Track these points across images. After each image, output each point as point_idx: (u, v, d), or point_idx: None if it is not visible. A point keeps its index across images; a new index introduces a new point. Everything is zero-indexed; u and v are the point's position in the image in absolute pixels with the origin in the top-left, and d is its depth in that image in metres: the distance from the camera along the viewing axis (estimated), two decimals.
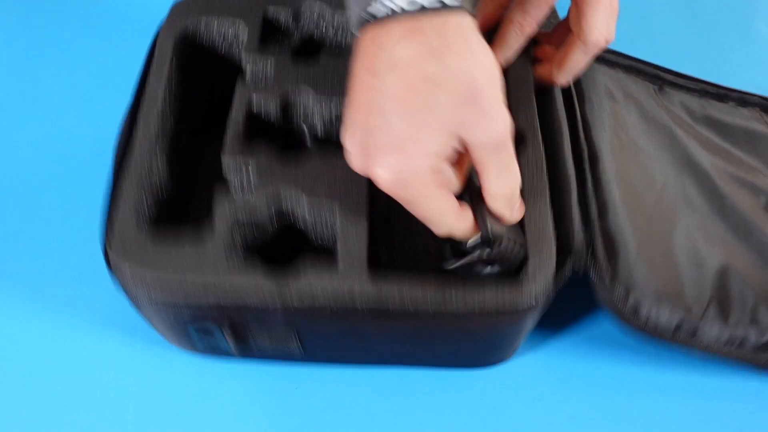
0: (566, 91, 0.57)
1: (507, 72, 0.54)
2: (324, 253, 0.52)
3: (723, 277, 0.55)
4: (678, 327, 0.51)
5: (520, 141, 0.52)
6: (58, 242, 0.62)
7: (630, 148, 0.58)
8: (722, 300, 0.54)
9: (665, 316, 0.51)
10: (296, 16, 0.56)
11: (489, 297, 0.45)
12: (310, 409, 0.55)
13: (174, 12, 0.56)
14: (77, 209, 0.63)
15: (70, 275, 0.60)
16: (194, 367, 0.56)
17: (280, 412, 0.54)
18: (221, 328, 0.47)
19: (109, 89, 0.70)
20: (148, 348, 0.57)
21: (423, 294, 0.45)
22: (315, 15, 0.57)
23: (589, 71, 0.60)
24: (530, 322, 0.49)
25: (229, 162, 0.50)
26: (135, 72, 0.56)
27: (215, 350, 0.50)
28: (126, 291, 0.46)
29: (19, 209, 0.63)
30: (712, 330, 0.52)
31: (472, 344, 0.51)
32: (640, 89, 0.63)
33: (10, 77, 0.71)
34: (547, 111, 0.54)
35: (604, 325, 0.59)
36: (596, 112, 0.57)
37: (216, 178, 0.60)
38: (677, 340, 0.51)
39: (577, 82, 0.58)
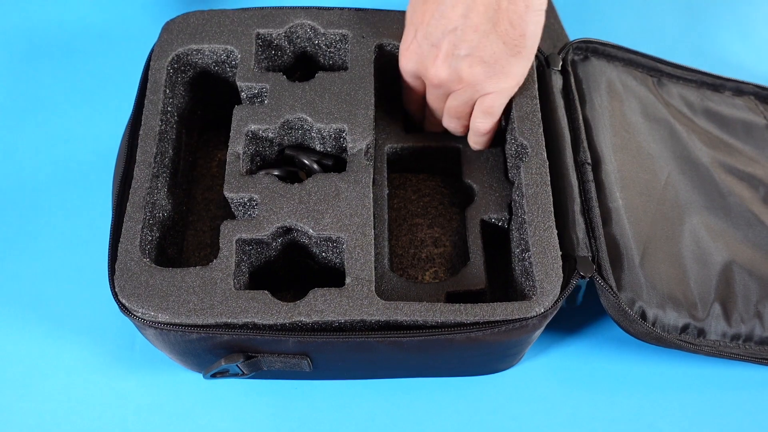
0: (567, 94, 0.57)
1: None
2: (331, 270, 0.53)
3: (727, 272, 0.55)
4: (684, 329, 0.52)
5: (523, 152, 0.52)
6: (58, 246, 0.62)
7: (632, 148, 0.58)
8: (726, 297, 0.54)
9: (671, 321, 0.51)
10: (288, 36, 0.56)
11: (498, 309, 0.45)
12: (320, 419, 0.55)
13: (165, 32, 0.55)
14: (78, 211, 0.63)
15: (70, 279, 0.60)
16: (200, 382, 0.56)
17: (289, 424, 0.55)
18: (235, 361, 0.47)
19: (109, 90, 0.70)
20: (151, 361, 0.57)
21: (432, 306, 0.45)
22: (307, 33, 0.56)
23: (589, 69, 0.60)
24: (538, 331, 0.49)
25: (231, 197, 0.50)
26: (134, 73, 0.55)
27: (225, 374, 0.50)
28: (134, 318, 0.46)
29: (18, 211, 0.63)
30: (718, 328, 0.53)
31: (481, 355, 0.51)
32: (640, 84, 0.63)
33: (11, 78, 0.70)
34: (549, 117, 0.54)
35: (609, 330, 0.59)
36: (597, 112, 0.57)
37: (214, 196, 0.60)
38: (684, 343, 0.51)
39: (578, 83, 0.58)
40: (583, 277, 0.48)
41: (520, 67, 0.50)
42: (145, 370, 0.57)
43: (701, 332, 0.52)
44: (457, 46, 0.48)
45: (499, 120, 0.54)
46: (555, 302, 0.46)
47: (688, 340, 0.52)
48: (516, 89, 0.52)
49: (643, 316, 0.50)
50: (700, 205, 0.58)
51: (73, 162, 0.65)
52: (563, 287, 0.47)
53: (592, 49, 0.61)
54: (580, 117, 0.56)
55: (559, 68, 0.57)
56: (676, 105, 0.64)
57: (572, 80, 0.58)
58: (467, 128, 0.55)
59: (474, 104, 0.52)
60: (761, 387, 0.57)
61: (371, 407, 0.55)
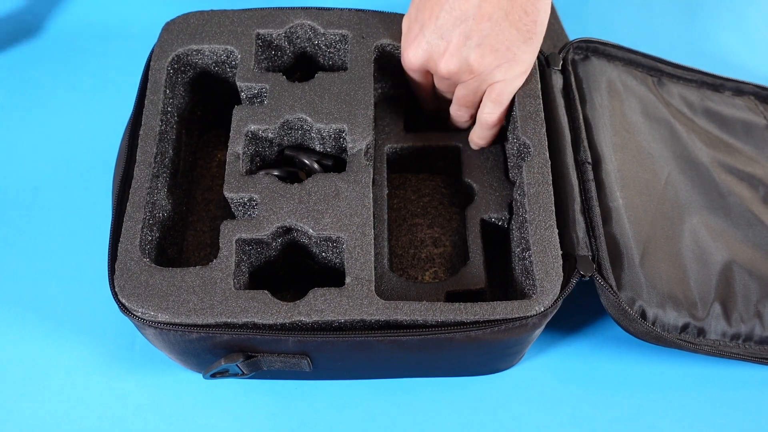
0: (568, 93, 0.57)
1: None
2: (331, 270, 0.53)
3: (727, 272, 0.55)
4: (684, 328, 0.52)
5: (526, 151, 0.52)
6: (58, 246, 0.62)
7: (632, 147, 0.58)
8: (726, 297, 0.54)
9: (671, 320, 0.51)
10: (288, 37, 0.56)
11: (498, 308, 0.45)
12: (320, 419, 0.55)
13: (165, 32, 0.55)
14: (78, 211, 0.63)
15: (70, 279, 0.60)
16: (200, 382, 0.56)
17: (289, 424, 0.55)
18: (235, 361, 0.47)
19: (109, 90, 0.70)
20: (151, 361, 0.57)
21: (432, 305, 0.45)
22: (307, 33, 0.56)
23: (590, 68, 0.60)
24: (538, 330, 0.49)
25: (231, 197, 0.50)
26: (134, 73, 0.55)
27: (225, 374, 0.50)
28: (133, 318, 0.46)
29: (18, 211, 0.63)
30: (718, 327, 0.53)
31: (481, 354, 0.51)
32: (640, 84, 0.63)
33: (11, 78, 0.70)
34: (549, 116, 0.54)
35: (608, 330, 0.59)
36: (598, 111, 0.57)
37: (214, 197, 0.60)
38: (684, 342, 0.51)
39: (578, 82, 0.58)
40: (583, 277, 0.48)
41: (530, 53, 0.51)
42: (144, 370, 0.57)
43: (701, 332, 0.52)
44: (469, 36, 0.48)
45: (504, 115, 0.54)
46: (555, 301, 0.46)
47: (688, 340, 0.51)
48: (524, 77, 0.52)
49: (643, 315, 0.50)
50: (700, 204, 0.58)
51: (73, 162, 0.65)
52: (563, 286, 0.47)
53: (592, 48, 0.61)
54: (581, 116, 0.56)
55: (560, 68, 0.57)
56: (676, 105, 0.64)
57: (572, 80, 0.58)
58: (473, 118, 0.56)
59: (482, 94, 0.53)
60: (761, 387, 0.57)
61: (371, 407, 0.55)
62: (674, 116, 0.63)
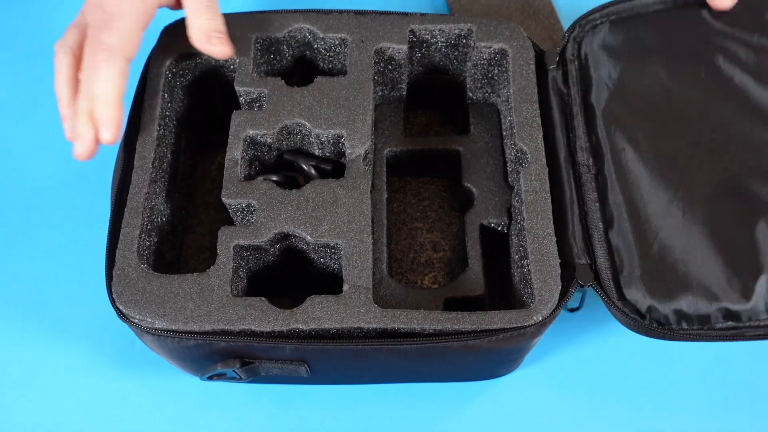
0: (567, 93, 0.55)
1: (512, 88, 0.54)
2: (328, 277, 0.52)
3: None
4: (700, 319, 0.48)
5: (523, 157, 0.51)
6: (59, 248, 0.62)
7: (639, 143, 0.53)
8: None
9: (680, 313, 0.48)
10: (287, 41, 0.56)
11: (496, 317, 0.45)
12: (319, 422, 0.55)
13: (164, 36, 0.55)
14: (79, 213, 0.63)
15: (71, 282, 0.60)
16: (200, 385, 0.56)
17: (288, 425, 0.55)
18: (231, 366, 0.47)
19: None
20: (152, 364, 0.57)
21: (429, 314, 0.45)
22: (306, 38, 0.56)
23: (591, 59, 0.56)
24: (537, 339, 0.49)
25: (229, 203, 0.50)
26: (133, 76, 0.53)
27: (222, 377, 0.50)
28: (131, 324, 0.46)
29: (19, 214, 0.63)
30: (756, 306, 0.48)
31: (479, 362, 0.51)
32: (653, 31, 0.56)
33: (11, 78, 0.70)
34: (547, 121, 0.53)
35: (608, 334, 0.59)
36: (601, 104, 0.54)
37: (214, 200, 0.60)
38: (690, 334, 0.48)
39: (583, 71, 0.55)
40: (582, 286, 0.47)
41: None
42: (145, 372, 0.57)
43: (735, 316, 0.48)
44: None
45: None
46: (553, 311, 0.46)
47: (694, 331, 0.49)
48: None
49: (649, 317, 0.48)
50: (714, 194, 0.52)
51: (73, 164, 0.65)
52: (562, 295, 0.47)
53: (591, 24, 0.56)
54: (580, 117, 0.54)
55: (557, 65, 0.55)
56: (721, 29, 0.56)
57: (573, 75, 0.55)
58: None
59: None
60: (761, 387, 0.57)
61: (370, 411, 0.56)
62: (716, 44, 0.55)
